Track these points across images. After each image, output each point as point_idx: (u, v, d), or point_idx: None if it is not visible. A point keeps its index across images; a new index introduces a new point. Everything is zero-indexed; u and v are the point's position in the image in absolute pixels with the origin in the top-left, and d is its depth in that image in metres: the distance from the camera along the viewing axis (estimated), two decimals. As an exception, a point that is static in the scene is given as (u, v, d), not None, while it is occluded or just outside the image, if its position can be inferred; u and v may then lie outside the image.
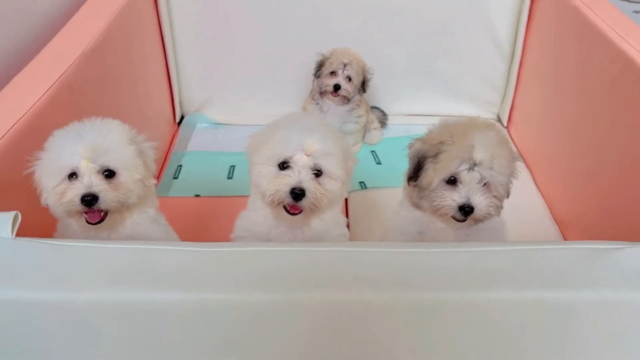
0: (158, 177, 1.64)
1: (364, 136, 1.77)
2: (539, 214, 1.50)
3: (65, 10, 1.42)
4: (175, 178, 1.63)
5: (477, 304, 0.65)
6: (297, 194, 0.86)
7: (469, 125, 0.92)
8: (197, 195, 1.57)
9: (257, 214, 0.96)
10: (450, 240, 0.95)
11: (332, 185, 0.90)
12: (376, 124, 1.79)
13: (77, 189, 0.84)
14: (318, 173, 0.89)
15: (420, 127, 1.80)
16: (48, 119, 1.03)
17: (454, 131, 0.91)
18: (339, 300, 0.65)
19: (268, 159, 0.89)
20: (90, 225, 0.87)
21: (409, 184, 0.97)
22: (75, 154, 0.84)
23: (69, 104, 1.12)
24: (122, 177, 0.87)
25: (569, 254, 0.70)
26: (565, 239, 1.41)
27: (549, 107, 1.57)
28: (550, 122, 1.56)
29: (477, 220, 0.92)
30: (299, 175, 0.87)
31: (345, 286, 0.66)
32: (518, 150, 1.75)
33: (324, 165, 0.89)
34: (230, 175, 1.64)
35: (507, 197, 0.94)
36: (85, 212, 0.86)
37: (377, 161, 1.72)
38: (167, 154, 1.75)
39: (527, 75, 1.72)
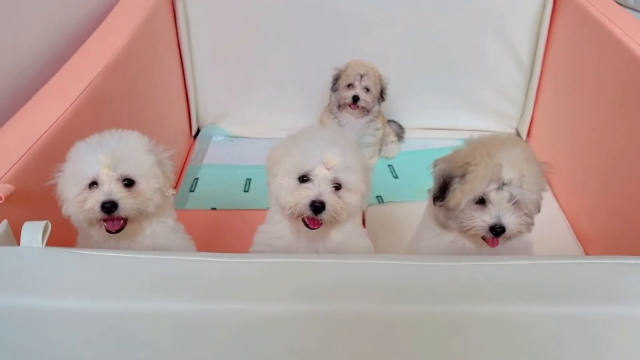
0: (175, 190, 1.64)
1: (380, 149, 1.76)
2: (560, 229, 1.46)
3: (86, 26, 1.44)
4: (191, 191, 1.63)
5: (505, 318, 0.65)
6: (317, 206, 0.86)
7: (495, 143, 0.91)
8: (214, 209, 1.56)
9: (276, 228, 0.96)
10: None
11: (351, 198, 0.90)
12: (393, 137, 1.77)
13: (97, 197, 0.85)
14: (338, 186, 0.89)
15: (438, 141, 1.83)
16: (72, 131, 1.04)
17: (480, 150, 0.90)
18: (367, 313, 0.65)
19: (288, 172, 0.89)
20: (111, 235, 0.88)
21: (434, 204, 0.95)
22: (95, 162, 0.86)
23: (92, 117, 1.13)
24: (141, 185, 0.88)
25: (596, 269, 0.69)
26: (587, 254, 1.38)
27: (568, 120, 1.54)
28: (569, 135, 1.54)
29: (507, 239, 0.90)
30: (319, 188, 0.87)
31: (372, 299, 0.65)
32: (538, 164, 1.72)
33: (344, 178, 0.88)
34: (246, 189, 1.64)
35: (538, 212, 0.92)
36: (105, 220, 0.87)
37: (394, 175, 1.70)
38: (183, 166, 1.75)
39: (547, 88, 1.70)
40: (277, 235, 0.96)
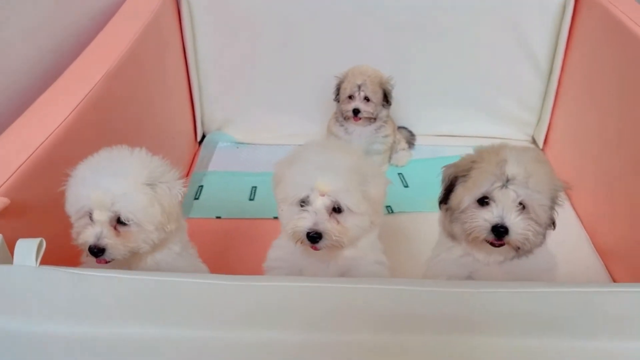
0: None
1: (390, 157, 1.71)
2: (579, 244, 1.41)
3: (88, 31, 1.40)
4: (196, 198, 1.59)
5: (528, 351, 0.60)
6: (313, 237, 0.84)
7: (503, 145, 0.88)
8: (218, 217, 1.52)
9: (290, 243, 0.92)
10: (498, 280, 0.87)
11: (354, 221, 0.86)
12: (403, 145, 1.72)
13: (88, 237, 0.83)
14: (339, 209, 0.85)
15: (450, 149, 1.77)
16: (72, 140, 1.02)
17: (487, 150, 0.87)
18: (374, 342, 0.61)
19: (286, 199, 0.87)
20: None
21: (440, 208, 0.92)
22: (88, 199, 0.83)
23: (93, 124, 1.10)
24: (133, 227, 0.85)
25: (627, 299, 0.65)
26: (608, 271, 1.33)
27: (589, 127, 1.48)
28: (590, 144, 1.48)
29: (517, 249, 0.84)
30: (315, 217, 0.84)
31: (382, 327, 0.62)
32: (554, 173, 1.66)
33: (344, 201, 0.85)
34: (252, 197, 1.59)
35: (552, 225, 0.86)
36: None
37: (405, 184, 1.65)
38: (188, 173, 1.71)
39: (566, 94, 1.64)
40: (290, 250, 0.93)
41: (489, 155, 0.84)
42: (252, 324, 0.62)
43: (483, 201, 0.83)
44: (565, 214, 1.46)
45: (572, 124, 1.60)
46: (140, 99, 1.38)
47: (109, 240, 0.82)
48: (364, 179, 0.87)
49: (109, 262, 0.85)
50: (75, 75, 1.14)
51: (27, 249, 0.68)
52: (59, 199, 0.86)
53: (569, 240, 1.39)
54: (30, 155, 0.91)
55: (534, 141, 1.81)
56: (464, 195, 0.84)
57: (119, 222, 0.84)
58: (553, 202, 0.85)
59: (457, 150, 1.76)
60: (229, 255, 1.39)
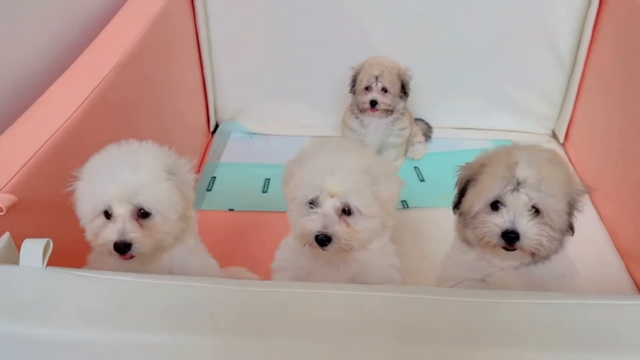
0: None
1: (406, 150, 1.67)
2: (600, 245, 1.36)
3: (98, 20, 1.37)
4: (208, 190, 1.58)
5: None
6: (322, 240, 0.81)
7: (514, 145, 0.84)
8: (231, 210, 1.50)
9: (298, 244, 0.89)
10: (514, 287, 0.84)
11: (364, 224, 0.83)
12: (420, 137, 1.68)
13: (110, 235, 0.80)
14: (349, 211, 0.82)
15: (469, 142, 1.73)
16: (82, 134, 0.99)
17: (499, 152, 0.83)
18: (387, 353, 0.59)
19: (295, 199, 0.84)
20: (125, 260, 0.83)
21: (454, 212, 0.90)
22: (108, 193, 0.79)
23: (102, 117, 1.08)
24: (158, 218, 0.82)
25: None
26: (630, 273, 1.28)
27: (613, 122, 1.43)
28: (612, 138, 1.43)
29: (532, 254, 0.80)
30: (325, 219, 0.81)
31: (395, 337, 0.59)
32: (575, 170, 1.61)
33: (354, 203, 0.82)
34: (265, 189, 1.57)
35: (570, 230, 0.82)
36: None
37: (421, 178, 1.61)
38: (200, 164, 1.69)
39: (589, 87, 1.58)
40: (298, 251, 0.90)
41: (499, 158, 0.81)
42: (253, 331, 0.60)
43: (495, 206, 0.80)
44: (584, 214, 1.43)
45: (594, 119, 1.55)
46: (152, 89, 1.36)
47: (134, 234, 0.79)
48: (375, 179, 0.84)
49: (134, 257, 0.81)
50: (84, 66, 1.12)
51: (34, 250, 0.67)
52: (67, 196, 0.84)
53: (588, 241, 1.34)
54: (37, 150, 0.89)
55: (554, 135, 1.75)
56: (475, 200, 0.81)
57: (140, 216, 0.81)
58: (571, 207, 0.81)
59: (475, 143, 1.74)
60: (241, 249, 1.38)
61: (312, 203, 0.82)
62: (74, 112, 0.99)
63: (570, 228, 0.83)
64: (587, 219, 1.41)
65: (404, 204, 1.49)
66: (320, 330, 0.60)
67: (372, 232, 0.85)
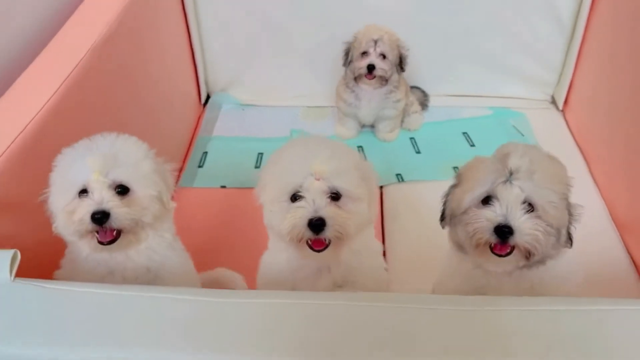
0: (182, 165, 1.56)
1: (402, 121, 1.63)
2: (595, 215, 1.34)
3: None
4: (200, 166, 1.55)
5: None
6: (317, 224, 0.75)
7: (509, 142, 0.80)
8: (223, 187, 1.48)
9: (280, 256, 0.86)
10: (512, 294, 0.80)
11: (355, 207, 0.79)
12: (416, 107, 1.64)
13: (87, 206, 0.77)
14: (336, 196, 0.78)
15: (466, 110, 1.69)
16: (58, 125, 0.94)
17: (483, 158, 0.80)
18: None
19: (277, 195, 0.78)
20: (103, 246, 0.80)
21: (442, 226, 0.85)
22: (84, 167, 0.77)
23: (79, 105, 1.02)
24: (137, 192, 0.80)
25: None
26: (625, 245, 1.27)
27: (615, 89, 1.38)
28: (613, 104, 1.39)
29: (528, 254, 0.75)
30: (314, 204, 0.75)
31: (382, 347, 0.58)
32: (573, 137, 1.58)
33: (340, 185, 0.77)
34: (257, 164, 1.55)
35: (567, 225, 0.77)
36: (97, 232, 0.79)
37: (417, 150, 1.58)
38: (192, 138, 1.66)
39: (590, 52, 1.53)
40: (281, 267, 0.86)
41: (492, 156, 0.79)
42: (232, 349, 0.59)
43: (485, 199, 0.76)
44: (582, 185, 1.40)
45: (596, 85, 1.50)
46: (137, 66, 1.30)
47: (113, 202, 0.76)
48: (358, 163, 0.81)
49: (115, 238, 0.79)
50: (55, 51, 1.05)
51: (1, 262, 0.65)
52: (39, 197, 0.80)
53: (586, 214, 1.33)
54: (9, 146, 0.84)
55: (553, 101, 1.71)
56: (464, 194, 0.77)
57: (118, 193, 0.78)
58: (568, 206, 0.77)
59: (473, 111, 1.71)
60: (235, 230, 1.36)
61: (295, 197, 0.78)
62: (45, 103, 0.92)
63: (569, 238, 0.79)
64: (582, 188, 1.38)
65: (399, 177, 1.47)
66: (301, 344, 0.59)
67: (362, 217, 0.81)
